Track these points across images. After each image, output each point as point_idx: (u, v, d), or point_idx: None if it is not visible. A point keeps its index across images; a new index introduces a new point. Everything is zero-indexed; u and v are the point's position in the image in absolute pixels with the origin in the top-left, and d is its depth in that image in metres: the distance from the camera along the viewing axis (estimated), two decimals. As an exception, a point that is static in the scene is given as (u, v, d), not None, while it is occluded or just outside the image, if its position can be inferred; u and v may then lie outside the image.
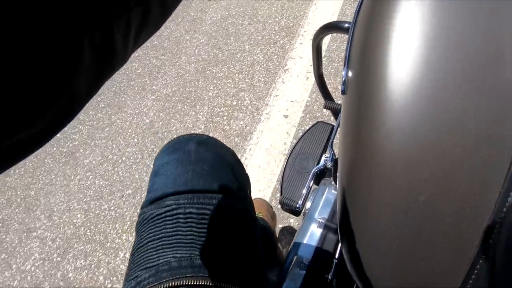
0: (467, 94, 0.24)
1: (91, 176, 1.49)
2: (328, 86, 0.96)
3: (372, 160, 0.27)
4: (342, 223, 0.31)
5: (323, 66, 1.50)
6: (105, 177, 1.47)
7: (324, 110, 1.28)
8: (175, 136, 1.52)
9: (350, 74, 0.37)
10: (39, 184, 1.51)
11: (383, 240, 0.25)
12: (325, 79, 0.89)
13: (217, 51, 1.85)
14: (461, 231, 0.22)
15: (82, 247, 1.30)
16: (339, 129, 0.40)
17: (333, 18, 1.73)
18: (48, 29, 0.15)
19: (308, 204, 0.74)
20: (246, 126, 1.45)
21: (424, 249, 0.23)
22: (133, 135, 1.60)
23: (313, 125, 0.91)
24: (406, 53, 0.28)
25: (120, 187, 1.42)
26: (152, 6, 0.23)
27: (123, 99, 1.81)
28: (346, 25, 0.62)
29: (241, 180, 0.51)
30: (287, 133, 1.37)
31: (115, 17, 0.19)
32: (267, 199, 1.21)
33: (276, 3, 1.98)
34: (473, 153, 0.23)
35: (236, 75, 1.68)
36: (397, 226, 0.24)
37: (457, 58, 0.25)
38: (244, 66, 1.70)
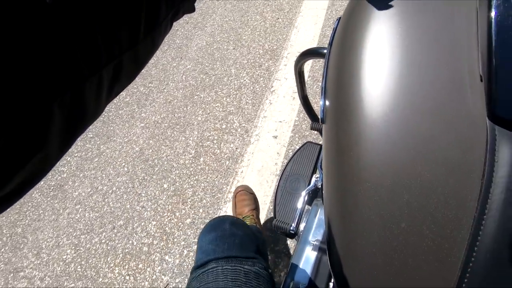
0: (436, 124, 0.26)
1: (80, 209, 1.46)
2: (314, 106, 0.99)
3: (353, 189, 0.28)
4: (329, 249, 0.32)
5: (308, 86, 1.54)
6: (95, 209, 1.44)
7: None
8: (165, 163, 1.51)
9: (327, 103, 0.39)
10: (27, 221, 1.46)
11: (370, 268, 0.26)
12: (311, 98, 0.92)
13: (204, 76, 1.88)
14: (442, 254, 0.24)
15: (72, 284, 1.25)
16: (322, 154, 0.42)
17: (314, 40, 1.81)
18: (16, 96, 0.15)
19: (302, 226, 0.74)
20: (236, 148, 1.46)
21: (410, 274, 0.24)
22: (123, 164, 1.59)
23: (302, 146, 0.93)
24: (378, 86, 0.30)
25: (111, 219, 1.39)
26: (124, 63, 0.24)
27: (111, 128, 1.80)
28: (324, 51, 0.65)
29: (263, 250, 0.69)
30: (278, 153, 1.39)
31: (86, 78, 0.19)
32: (261, 222, 1.20)
33: (259, 27, 2.05)
34: (446, 180, 0.24)
35: (224, 98, 1.71)
36: (383, 255, 0.25)
37: (426, 90, 0.28)
38: (231, 90, 1.73)
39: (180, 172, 1.46)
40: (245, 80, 1.75)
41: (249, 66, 1.82)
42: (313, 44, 1.78)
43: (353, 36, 0.35)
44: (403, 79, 0.29)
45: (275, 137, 1.44)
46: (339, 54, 0.38)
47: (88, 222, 1.40)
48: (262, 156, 1.40)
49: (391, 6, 0.32)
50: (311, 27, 1.90)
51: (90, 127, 1.69)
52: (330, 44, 0.44)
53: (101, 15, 0.20)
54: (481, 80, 0.26)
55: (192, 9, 0.35)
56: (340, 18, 0.44)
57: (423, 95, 0.28)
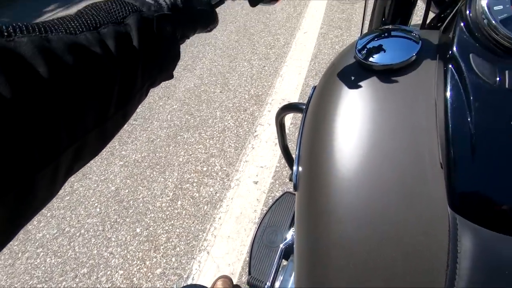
0: (401, 209, 0.26)
1: (42, 253, 1.34)
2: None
3: (324, 255, 0.28)
4: None
5: (290, 133, 1.57)
6: (59, 254, 1.33)
7: (293, 176, 1.30)
8: (141, 205, 1.45)
9: (300, 169, 0.38)
10: (-22, 265, 1.32)
11: None
12: (292, 147, 0.93)
13: (189, 117, 1.90)
14: None
15: None
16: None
17: (297, 88, 1.89)
18: None
19: (277, 284, 0.70)
20: (216, 193, 1.43)
21: None
22: (96, 204, 1.51)
23: (280, 196, 0.92)
24: (347, 166, 0.30)
25: (75, 265, 1.28)
26: (89, 142, 0.22)
27: (88, 165, 1.74)
28: (304, 107, 0.68)
29: None
30: (257, 200, 1.36)
31: (39, 170, 0.18)
32: (237, 274, 1.13)
33: (246, 73, 2.14)
34: (413, 267, 0.24)
35: (208, 140, 1.71)
36: None
37: (392, 174, 0.28)
38: (215, 132, 1.75)
39: (155, 216, 1.40)
40: (229, 123, 1.78)
41: (234, 110, 1.86)
42: (297, 93, 1.86)
43: (325, 110, 0.36)
44: (371, 161, 0.30)
45: (256, 182, 1.43)
46: (312, 124, 0.39)
47: (48, 268, 1.28)
48: (242, 202, 1.37)
49: (360, 86, 0.34)
50: (295, 76, 1.99)
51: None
52: (305, 111, 0.45)
53: (67, 100, 0.20)
54: (442, 167, 0.26)
55: (170, 77, 0.35)
56: (315, 87, 0.45)
57: (389, 179, 0.28)
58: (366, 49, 0.34)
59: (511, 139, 0.23)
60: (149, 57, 0.27)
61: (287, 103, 0.71)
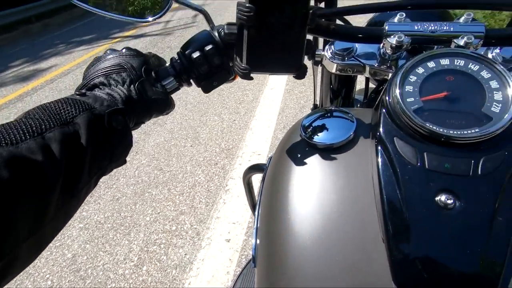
0: (347, 280, 0.28)
1: None
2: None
3: None
4: None
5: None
6: None
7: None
8: (101, 274, 1.31)
9: (258, 242, 0.39)
10: None
11: None
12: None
13: (158, 172, 1.85)
14: None
15: None
16: None
17: (267, 141, 1.95)
18: None
19: None
20: (185, 254, 1.34)
21: None
22: (48, 275, 1.34)
23: (247, 264, 0.88)
24: (298, 234, 0.31)
25: None
26: (20, 254, 0.21)
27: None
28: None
29: None
30: (230, 259, 1.29)
31: None
32: None
33: (216, 127, 2.19)
34: None
35: (177, 197, 1.65)
36: None
37: (341, 250, 0.29)
38: (185, 187, 1.70)
39: (116, 286, 1.26)
40: (200, 178, 1.75)
41: (205, 164, 1.85)
42: (267, 145, 1.91)
43: (278, 186, 0.38)
44: (319, 238, 0.32)
45: (228, 240, 1.37)
46: (268, 200, 0.40)
47: None
48: (213, 263, 1.29)
49: (306, 163, 0.36)
50: (264, 129, 2.07)
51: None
52: (263, 180, 0.47)
53: None
54: (383, 242, 0.27)
55: (122, 163, 0.35)
56: (271, 157, 0.48)
57: (337, 254, 0.29)
58: (310, 127, 0.37)
59: (438, 214, 0.26)
60: (98, 152, 0.27)
61: (252, 164, 0.73)
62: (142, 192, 1.72)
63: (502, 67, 0.31)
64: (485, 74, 0.31)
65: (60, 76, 3.67)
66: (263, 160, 1.79)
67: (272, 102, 2.36)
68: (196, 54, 0.38)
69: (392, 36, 0.37)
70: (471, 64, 0.32)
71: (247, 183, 0.81)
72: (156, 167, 1.90)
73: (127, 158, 0.36)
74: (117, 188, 1.78)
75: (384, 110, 0.32)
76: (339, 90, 0.64)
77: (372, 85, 0.66)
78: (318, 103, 0.75)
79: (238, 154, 1.89)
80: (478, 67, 0.31)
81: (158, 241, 1.42)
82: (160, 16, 0.41)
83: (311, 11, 0.32)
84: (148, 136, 2.18)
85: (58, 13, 6.87)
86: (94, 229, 1.54)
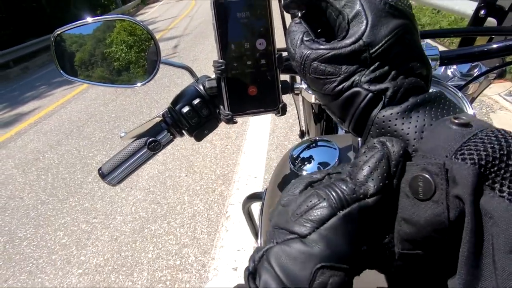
0: None
1: None
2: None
3: None
4: None
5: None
6: None
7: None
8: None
9: None
10: None
11: None
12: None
13: (156, 206, 1.82)
14: None
15: None
16: None
17: (261, 163, 1.97)
18: None
19: None
20: (193, 289, 1.31)
21: None
22: (49, 330, 1.26)
23: None
24: None
25: None
26: None
27: (39, 280, 1.51)
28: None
29: None
30: (240, 288, 1.27)
31: None
32: None
33: (209, 154, 2.20)
34: None
35: (178, 229, 1.62)
36: None
37: None
38: (185, 219, 1.68)
39: (124, 332, 1.20)
40: (199, 207, 1.74)
41: (202, 192, 1.84)
42: (262, 167, 1.93)
43: None
44: None
45: (235, 269, 1.35)
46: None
47: None
48: (223, 294, 1.26)
49: None
50: (257, 151, 2.10)
51: (12, 280, 1.41)
52: (261, 213, 0.48)
53: None
54: None
55: None
56: (266, 189, 0.50)
57: None
58: (298, 159, 0.40)
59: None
60: None
61: (250, 193, 0.75)
62: (141, 229, 1.68)
63: (455, 89, 0.35)
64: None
65: (45, 118, 3.62)
66: (260, 183, 1.80)
67: (261, 124, 2.40)
68: (186, 109, 0.41)
69: None
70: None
71: (247, 212, 0.83)
72: (153, 201, 1.87)
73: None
74: (115, 227, 1.74)
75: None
76: (320, 116, 0.68)
77: None
78: (304, 129, 0.79)
79: (234, 179, 1.90)
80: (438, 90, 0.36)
81: (163, 278, 1.38)
82: (149, 81, 0.44)
83: (277, 56, 0.36)
84: (141, 170, 2.16)
85: (36, 55, 6.87)
86: (94, 273, 1.48)
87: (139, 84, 0.44)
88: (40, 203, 2.13)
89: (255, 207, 0.76)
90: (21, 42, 6.69)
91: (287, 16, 0.52)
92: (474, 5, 0.48)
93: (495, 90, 2.07)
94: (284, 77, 0.40)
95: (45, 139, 3.09)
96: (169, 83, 3.66)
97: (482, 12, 0.49)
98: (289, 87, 0.43)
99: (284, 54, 0.38)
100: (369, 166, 0.18)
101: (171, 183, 2.00)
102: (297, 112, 0.74)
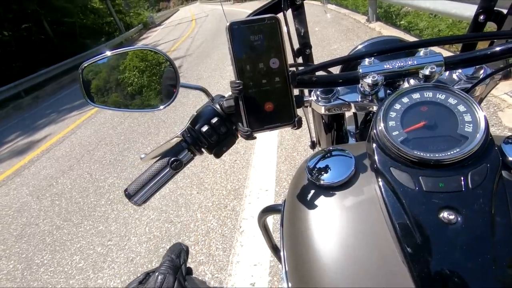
0: None
1: None
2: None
3: None
4: None
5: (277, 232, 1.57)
6: None
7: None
8: None
9: (290, 285, 0.40)
10: None
11: None
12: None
13: (169, 225, 1.83)
14: None
15: None
16: None
17: (271, 176, 1.97)
18: None
19: None
20: (211, 307, 1.29)
21: None
22: None
23: None
24: (326, 267, 0.34)
25: None
26: None
27: (58, 306, 1.51)
28: (281, 208, 0.72)
29: None
30: (259, 305, 1.25)
31: None
32: None
33: (219, 170, 2.21)
34: None
35: (193, 247, 1.62)
36: None
37: (365, 271, 0.31)
38: (199, 236, 1.68)
39: None
40: (212, 224, 1.74)
41: (215, 209, 1.85)
42: (272, 180, 1.93)
43: (299, 229, 0.41)
44: (350, 270, 0.33)
45: (253, 284, 1.33)
46: (292, 243, 0.42)
47: None
48: (242, 311, 1.24)
49: (316, 205, 0.39)
50: (267, 164, 2.10)
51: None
52: (281, 225, 0.49)
53: None
54: (404, 265, 0.30)
55: None
56: (285, 200, 0.50)
57: (368, 283, 0.31)
58: (315, 169, 0.41)
59: (444, 229, 0.29)
60: None
61: (265, 206, 0.76)
62: (156, 249, 1.68)
63: (463, 93, 0.36)
64: (452, 100, 0.36)
65: (56, 144, 3.71)
66: (271, 196, 1.80)
67: (269, 137, 2.42)
68: (205, 128, 0.43)
69: (367, 77, 0.42)
70: (438, 94, 0.36)
71: (263, 226, 0.83)
72: (166, 220, 1.88)
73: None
74: (130, 248, 1.74)
75: (375, 145, 0.36)
76: (331, 126, 0.69)
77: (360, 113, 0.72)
78: (315, 139, 0.80)
79: (245, 193, 1.90)
80: (444, 95, 0.36)
81: (181, 297, 1.37)
82: (170, 103, 0.46)
83: (290, 73, 0.38)
84: (153, 190, 2.18)
85: (46, 84, 7.11)
86: (112, 296, 1.48)
87: (161, 107, 0.46)
88: (55, 229, 2.15)
89: (270, 220, 0.76)
90: (32, 73, 6.95)
91: (293, 33, 0.55)
92: (471, 8, 0.50)
93: (502, 90, 2.06)
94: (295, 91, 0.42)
95: (58, 165, 3.15)
96: (175, 102, 3.73)
97: (482, 17, 0.51)
98: (302, 101, 0.44)
99: (294, 69, 0.40)
100: None
101: (183, 201, 2.01)
102: (307, 124, 0.75)
